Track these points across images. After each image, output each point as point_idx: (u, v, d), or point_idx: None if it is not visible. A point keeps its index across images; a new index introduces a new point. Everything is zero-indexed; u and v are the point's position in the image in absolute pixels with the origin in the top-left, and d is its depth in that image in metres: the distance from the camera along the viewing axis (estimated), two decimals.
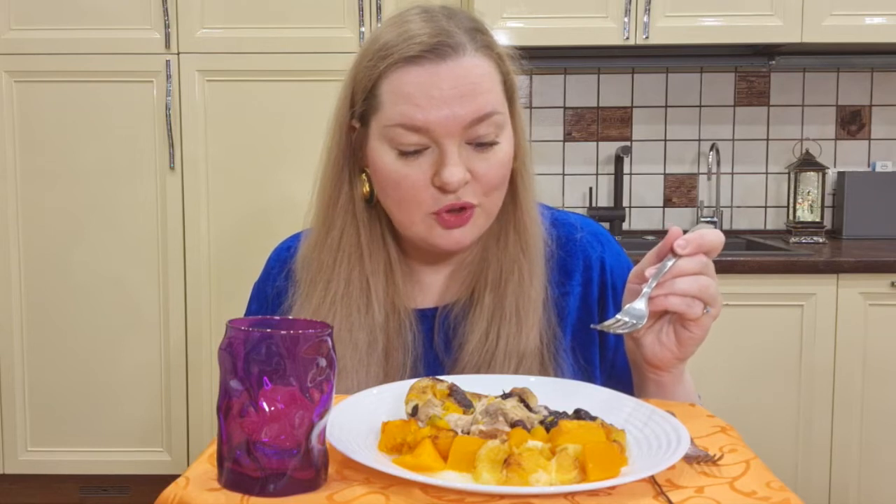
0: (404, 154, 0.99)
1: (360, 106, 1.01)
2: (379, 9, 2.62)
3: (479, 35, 1.00)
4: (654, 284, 0.90)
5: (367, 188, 1.05)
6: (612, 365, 1.11)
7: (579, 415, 0.80)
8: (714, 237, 0.91)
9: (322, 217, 1.08)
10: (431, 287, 1.12)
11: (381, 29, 1.03)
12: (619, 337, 1.06)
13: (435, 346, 1.08)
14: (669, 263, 0.90)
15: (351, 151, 1.05)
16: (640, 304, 0.90)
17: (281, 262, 1.16)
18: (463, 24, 1.00)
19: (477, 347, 1.04)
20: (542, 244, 1.08)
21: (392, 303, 1.07)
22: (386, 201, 1.04)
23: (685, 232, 0.92)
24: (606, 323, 0.91)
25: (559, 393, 0.89)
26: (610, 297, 1.11)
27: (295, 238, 1.17)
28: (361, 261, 1.06)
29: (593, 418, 0.79)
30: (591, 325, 0.94)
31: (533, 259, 1.06)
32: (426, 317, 1.10)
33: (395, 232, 1.09)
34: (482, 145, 0.99)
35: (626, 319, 0.90)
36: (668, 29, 2.66)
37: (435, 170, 0.98)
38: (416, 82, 0.96)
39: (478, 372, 1.02)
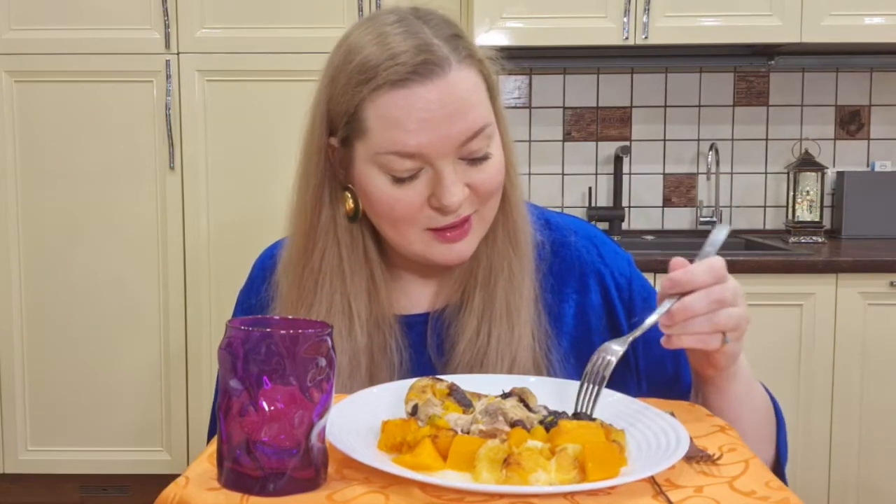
0: (399, 180, 0.96)
1: (343, 130, 0.98)
2: (378, 8, 2.63)
3: (460, 42, 0.97)
4: (646, 327, 0.87)
5: (350, 205, 1.02)
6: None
7: (578, 415, 0.80)
8: (702, 273, 0.86)
9: (302, 240, 1.04)
10: (420, 293, 1.09)
11: (355, 39, 0.98)
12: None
13: (427, 350, 1.06)
14: (667, 304, 0.87)
15: (331, 172, 1.02)
16: (617, 346, 0.87)
17: (264, 272, 1.13)
18: (442, 32, 0.96)
19: (468, 347, 1.02)
20: (531, 241, 1.06)
21: (375, 320, 1.04)
22: (378, 222, 1.01)
23: (693, 260, 0.89)
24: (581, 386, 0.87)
25: (559, 393, 0.89)
26: (616, 297, 1.09)
27: (277, 245, 1.14)
28: (343, 283, 1.03)
29: (593, 418, 0.79)
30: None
31: (523, 256, 1.05)
32: (414, 323, 1.07)
33: (379, 245, 1.06)
34: (475, 160, 0.97)
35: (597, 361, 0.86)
36: (667, 29, 2.66)
37: (431, 190, 0.96)
38: (404, 106, 0.93)
39: (470, 372, 1.01)
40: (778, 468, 1.03)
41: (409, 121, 0.93)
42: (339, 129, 0.99)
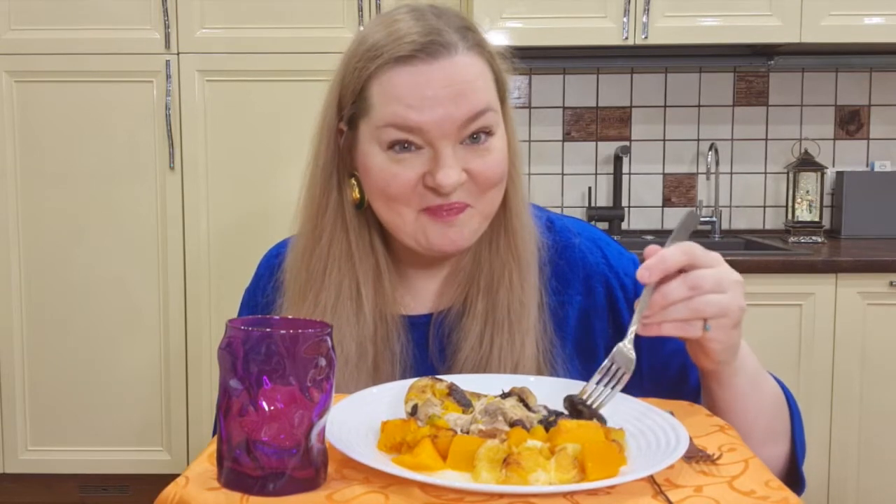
0: (396, 152, 0.96)
1: (349, 109, 0.99)
2: (378, 9, 2.63)
3: (470, 33, 0.98)
4: (637, 320, 0.86)
5: (356, 193, 1.02)
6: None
7: (581, 404, 0.81)
8: (673, 256, 0.84)
9: (311, 225, 1.05)
10: (424, 293, 1.09)
11: (368, 29, 1.00)
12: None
13: (430, 352, 1.06)
14: (647, 293, 0.86)
15: (339, 157, 1.03)
16: (629, 345, 0.86)
17: (270, 270, 1.13)
18: (453, 23, 0.97)
19: (471, 355, 1.02)
20: (534, 248, 1.05)
21: (380, 311, 1.04)
22: (376, 204, 1.01)
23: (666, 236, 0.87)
24: (591, 384, 0.86)
25: (558, 393, 0.89)
26: (621, 298, 1.08)
27: (284, 244, 1.14)
28: (353, 268, 1.03)
29: (601, 416, 0.79)
30: (570, 396, 0.85)
31: (524, 264, 1.04)
32: (419, 324, 1.07)
33: (385, 238, 1.06)
34: (477, 141, 0.97)
35: (613, 367, 0.85)
36: (667, 29, 2.66)
37: (428, 169, 0.96)
38: (408, 82, 0.94)
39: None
40: (794, 463, 1.01)
41: (412, 97, 0.94)
42: (346, 110, 1.00)
